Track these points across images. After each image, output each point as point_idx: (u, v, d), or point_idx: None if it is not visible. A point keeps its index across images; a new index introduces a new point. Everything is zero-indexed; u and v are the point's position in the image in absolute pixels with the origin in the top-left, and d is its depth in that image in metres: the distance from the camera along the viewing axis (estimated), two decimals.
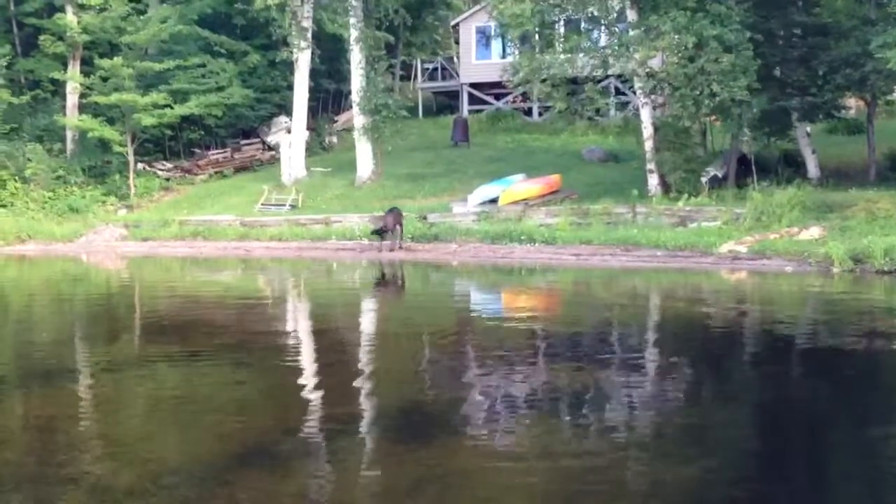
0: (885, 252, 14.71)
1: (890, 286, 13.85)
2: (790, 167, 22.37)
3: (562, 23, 25.67)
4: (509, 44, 29.03)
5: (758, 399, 7.72)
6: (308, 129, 30.57)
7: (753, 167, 21.38)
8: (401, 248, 20.38)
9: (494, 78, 29.19)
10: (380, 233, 20.14)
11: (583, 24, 25.84)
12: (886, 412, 7.12)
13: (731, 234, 18.07)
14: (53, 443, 6.38)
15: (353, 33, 27.59)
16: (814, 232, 17.27)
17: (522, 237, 20.03)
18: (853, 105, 28.85)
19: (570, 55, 23.10)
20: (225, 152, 32.61)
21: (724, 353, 9.62)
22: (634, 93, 24.30)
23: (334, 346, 10.35)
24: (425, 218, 21.33)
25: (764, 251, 16.74)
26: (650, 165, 22.16)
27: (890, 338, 10.21)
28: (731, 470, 5.74)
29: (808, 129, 23.14)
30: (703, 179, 21.57)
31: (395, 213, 20.62)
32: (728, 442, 6.34)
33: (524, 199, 22.64)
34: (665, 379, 8.27)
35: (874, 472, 5.68)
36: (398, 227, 20.47)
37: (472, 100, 34.58)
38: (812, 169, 22.29)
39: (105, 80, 29.13)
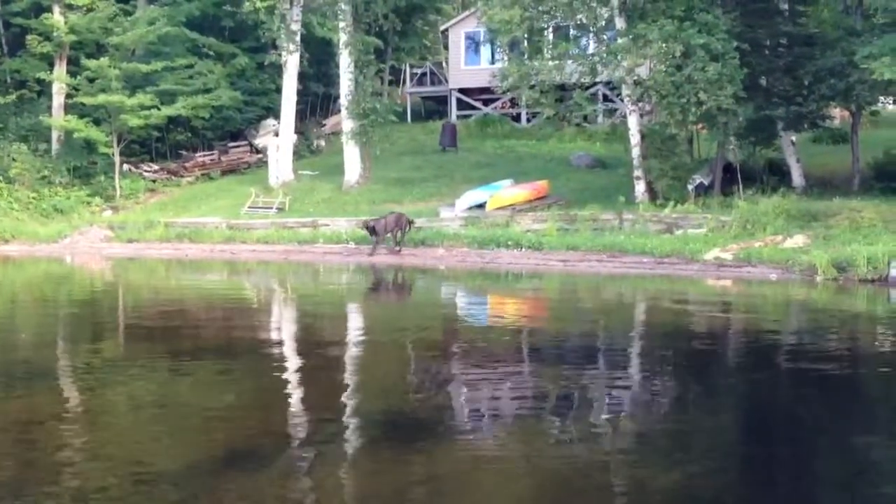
0: (869, 261, 14.84)
1: (873, 295, 13.96)
2: (775, 176, 22.51)
3: (550, 30, 25.74)
4: (498, 50, 29.08)
5: (741, 406, 7.76)
6: (296, 132, 30.50)
7: (739, 175, 21.51)
8: (399, 252, 20.40)
9: (483, 83, 29.27)
10: (370, 230, 20.10)
11: (571, 32, 25.93)
12: (868, 419, 7.18)
13: (717, 241, 18.17)
14: (34, 446, 6.33)
15: (343, 37, 27.56)
16: (798, 240, 17.39)
17: (509, 242, 20.06)
18: (837, 115, 29.08)
19: (558, 62, 23.17)
20: (212, 154, 32.46)
21: (708, 361, 9.67)
22: (622, 100, 24.41)
23: (320, 350, 10.32)
24: (413, 222, 21.35)
25: (749, 259, 16.83)
26: (637, 172, 22.25)
27: (873, 346, 10.30)
28: (716, 475, 5.76)
29: (794, 138, 23.29)
30: (690, 187, 21.68)
31: (394, 216, 20.61)
32: (712, 447, 6.37)
33: (512, 205, 22.68)
34: (649, 385, 8.30)
35: (856, 479, 5.72)
36: (399, 231, 20.47)
37: (461, 105, 34.63)
38: (797, 178, 22.44)
39: (91, 80, 28.97)
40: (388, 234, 20.50)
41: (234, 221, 24.72)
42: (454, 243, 20.70)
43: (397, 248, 20.53)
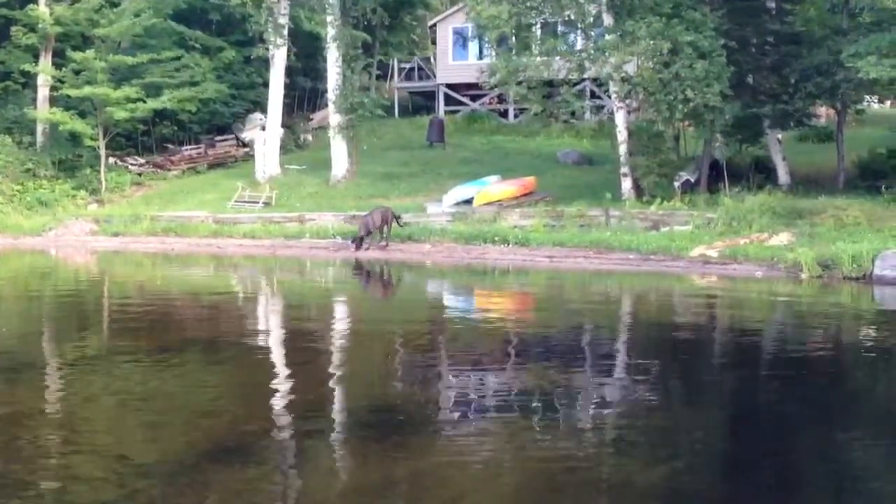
0: (853, 259, 14.94)
1: (857, 292, 14.06)
2: (761, 173, 22.64)
3: (538, 26, 25.74)
4: (486, 45, 29.07)
5: (726, 402, 7.81)
6: (283, 126, 30.39)
7: (725, 173, 21.60)
8: (386, 246, 20.37)
9: (471, 79, 29.22)
10: (359, 241, 19.99)
11: (559, 28, 25.95)
12: (850, 415, 7.24)
13: (703, 238, 18.25)
14: (16, 441, 6.29)
15: (330, 31, 27.48)
16: (783, 238, 17.49)
17: (496, 238, 20.06)
18: (823, 113, 29.26)
19: (546, 58, 23.16)
20: (198, 148, 32.31)
21: (692, 357, 9.71)
22: (609, 97, 24.44)
23: (306, 345, 10.31)
24: (400, 217, 21.33)
25: (734, 256, 16.91)
26: (624, 169, 22.30)
27: (855, 344, 10.37)
28: (700, 471, 5.80)
29: (780, 136, 23.42)
30: (676, 184, 21.75)
31: (379, 212, 20.54)
32: (696, 443, 6.40)
33: (498, 201, 22.69)
34: (635, 381, 8.33)
35: (838, 474, 5.77)
36: (385, 226, 20.43)
37: (449, 100, 34.61)
38: (782, 176, 22.58)
39: (77, 72, 28.74)
40: (375, 230, 20.46)
41: (221, 216, 24.61)
42: (441, 239, 20.69)
43: (383, 243, 20.51)
